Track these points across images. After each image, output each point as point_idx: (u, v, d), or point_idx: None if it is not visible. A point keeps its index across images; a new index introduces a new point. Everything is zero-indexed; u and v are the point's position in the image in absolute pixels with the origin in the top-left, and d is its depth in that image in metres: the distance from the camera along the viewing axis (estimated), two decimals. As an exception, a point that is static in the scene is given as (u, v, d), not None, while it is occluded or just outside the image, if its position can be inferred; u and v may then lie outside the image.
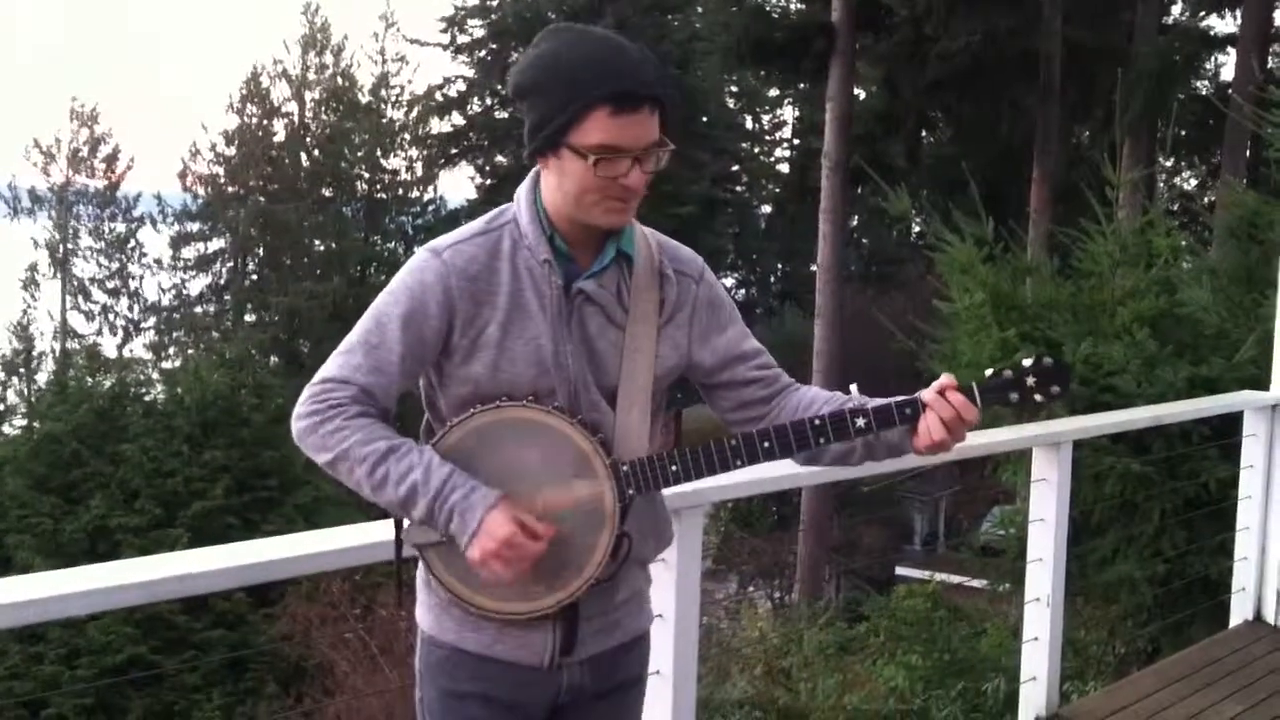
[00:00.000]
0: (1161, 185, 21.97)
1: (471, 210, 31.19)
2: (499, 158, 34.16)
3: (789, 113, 41.36)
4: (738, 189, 39.58)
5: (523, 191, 2.13)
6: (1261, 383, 5.81)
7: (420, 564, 2.15)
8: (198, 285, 37.40)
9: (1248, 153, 17.55)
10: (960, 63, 18.38)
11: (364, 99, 37.74)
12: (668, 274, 2.17)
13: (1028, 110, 18.43)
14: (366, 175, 37.24)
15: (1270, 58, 19.27)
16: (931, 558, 23.60)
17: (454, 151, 35.51)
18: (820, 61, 18.45)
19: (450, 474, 2.00)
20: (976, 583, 8.23)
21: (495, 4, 34.00)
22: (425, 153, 37.17)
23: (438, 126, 36.36)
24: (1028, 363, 2.15)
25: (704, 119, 35.21)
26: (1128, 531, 6.23)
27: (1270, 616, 5.49)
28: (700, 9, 31.92)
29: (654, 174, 2.05)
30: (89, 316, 37.40)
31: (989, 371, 2.15)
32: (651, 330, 2.14)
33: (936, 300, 7.19)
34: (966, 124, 20.23)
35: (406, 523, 2.09)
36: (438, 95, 35.58)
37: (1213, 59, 22.82)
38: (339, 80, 37.82)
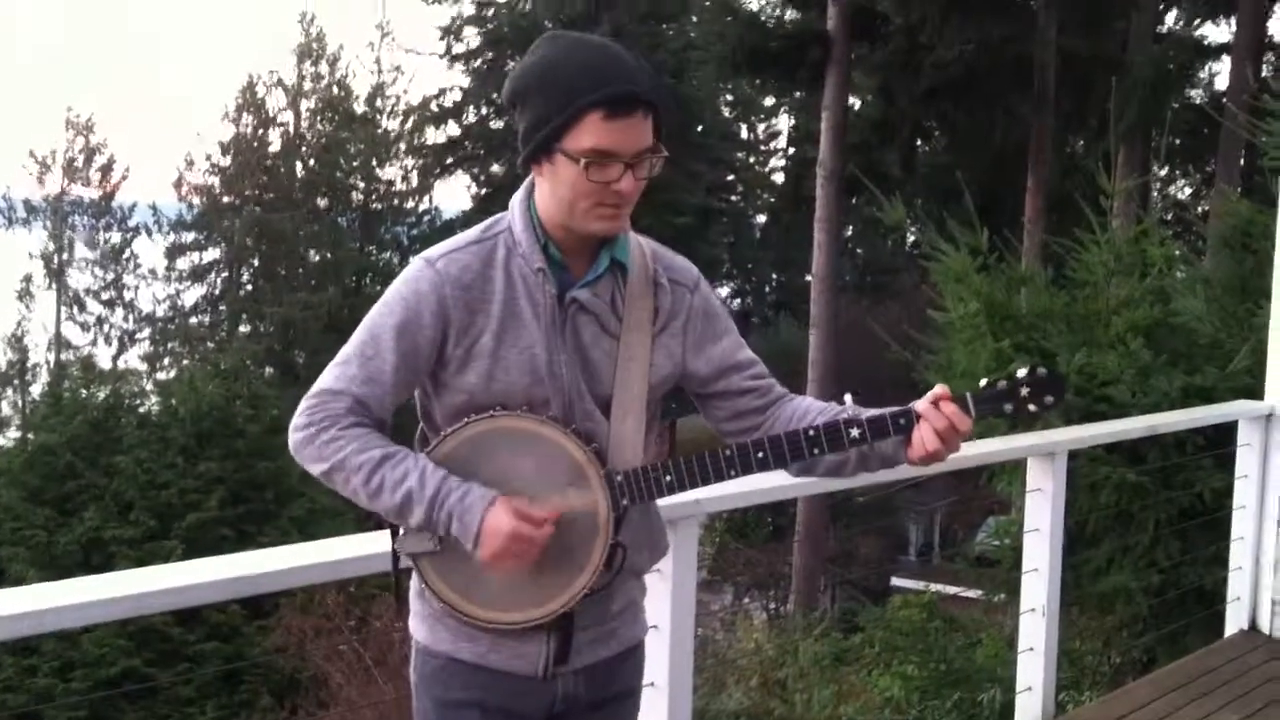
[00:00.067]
0: (1156, 194, 22.05)
1: (467, 220, 31.15)
2: (494, 167, 34.15)
3: (784, 122, 41.41)
4: (733, 198, 39.57)
5: (517, 200, 2.13)
6: (1256, 392, 5.82)
7: (414, 574, 2.14)
8: (192, 296, 37.36)
9: (1242, 161, 17.58)
10: (955, 71, 18.41)
11: (359, 109, 37.73)
12: (662, 283, 2.17)
13: (1022, 119, 18.44)
14: (362, 185, 37.22)
15: (1264, 66, 19.30)
16: (927, 568, 23.59)
17: (449, 161, 35.47)
18: (815, 70, 18.47)
19: (445, 478, 2.00)
20: (972, 593, 8.23)
21: (491, 13, 34.04)
22: (421, 162, 37.15)
23: (433, 136, 36.36)
24: (1022, 373, 2.15)
25: (699, 128, 35.22)
26: (1123, 541, 6.23)
27: (1265, 626, 5.49)
28: (695, 18, 31.94)
29: (647, 180, 2.05)
30: (84, 327, 37.31)
31: (983, 382, 2.15)
32: (646, 339, 2.14)
33: (931, 310, 7.20)
34: (961, 133, 20.25)
35: (402, 532, 2.09)
36: (433, 105, 35.58)
37: (1207, 68, 22.90)
38: (334, 90, 37.81)
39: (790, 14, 21.20)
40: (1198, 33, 22.00)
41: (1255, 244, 7.26)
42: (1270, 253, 5.92)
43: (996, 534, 7.35)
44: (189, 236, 37.49)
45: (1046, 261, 10.04)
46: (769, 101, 39.63)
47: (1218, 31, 22.06)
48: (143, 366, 34.20)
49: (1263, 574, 5.48)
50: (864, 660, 8.64)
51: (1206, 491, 6.03)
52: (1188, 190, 27.42)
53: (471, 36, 34.49)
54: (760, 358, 2.28)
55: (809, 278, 21.84)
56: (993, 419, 2.35)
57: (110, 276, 37.83)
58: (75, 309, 37.28)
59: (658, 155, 2.04)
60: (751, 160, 42.22)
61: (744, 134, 42.53)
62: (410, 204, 37.74)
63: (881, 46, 19.56)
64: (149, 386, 25.38)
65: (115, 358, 35.70)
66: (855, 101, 21.53)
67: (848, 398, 2.23)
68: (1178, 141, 22.00)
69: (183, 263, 37.41)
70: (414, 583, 2.18)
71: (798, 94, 27.50)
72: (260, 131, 37.13)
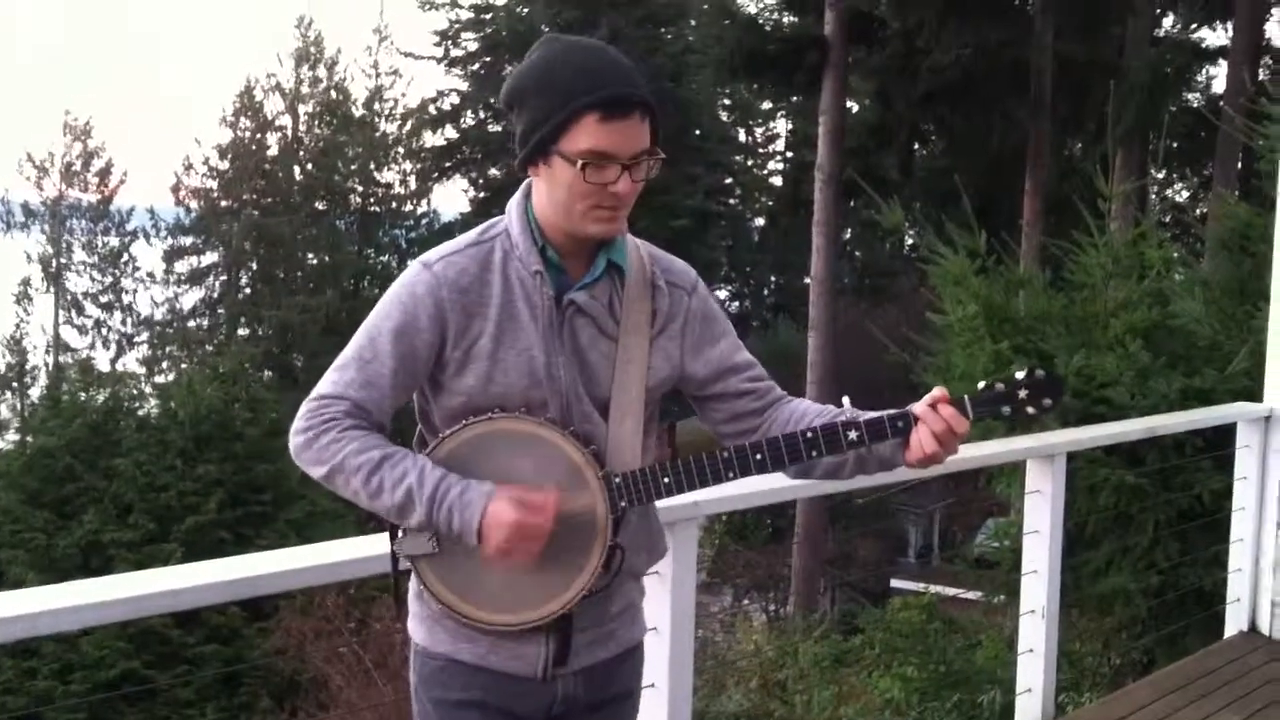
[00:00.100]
0: (1153, 197, 22.09)
1: (465, 223, 31.17)
2: (492, 171, 34.18)
3: (782, 126, 41.40)
4: (731, 202, 39.59)
5: (514, 203, 2.14)
6: (1255, 394, 5.83)
7: (413, 576, 2.15)
8: (191, 299, 37.35)
9: (1239, 165, 17.58)
10: (952, 76, 18.45)
11: (358, 112, 37.75)
12: (660, 285, 2.17)
13: (1019, 123, 18.46)
14: (360, 188, 37.24)
15: (1261, 70, 19.32)
16: (926, 570, 23.58)
17: (447, 165, 35.51)
18: (813, 74, 18.50)
19: (444, 475, 2.01)
20: (971, 595, 8.23)
21: (489, 17, 34.06)
22: (419, 166, 37.17)
23: (431, 140, 36.39)
24: (1020, 375, 2.15)
25: (697, 132, 35.26)
26: (1122, 543, 6.23)
27: (1265, 627, 5.50)
28: (693, 22, 31.98)
29: (644, 183, 2.05)
30: (82, 331, 37.32)
31: (981, 384, 2.16)
32: (644, 341, 2.14)
33: (930, 313, 7.20)
34: (958, 136, 20.27)
35: (400, 533, 2.09)
36: (431, 109, 35.61)
37: (1204, 71, 22.90)
38: (332, 94, 37.83)
39: (788, 18, 21.26)
40: (1194, 37, 22.00)
41: (1253, 246, 7.27)
42: (1268, 255, 5.93)
43: (996, 536, 7.36)
44: (187, 240, 37.49)
45: (1045, 264, 10.05)
46: (767, 105, 39.64)
47: (1214, 35, 22.06)
48: (141, 370, 34.17)
49: (1262, 575, 5.49)
50: (864, 662, 8.65)
51: (1205, 493, 6.03)
52: (1185, 193, 27.46)
53: (469, 41, 34.53)
54: (759, 360, 2.29)
55: (807, 280, 21.83)
56: (991, 421, 2.34)
57: (108, 280, 37.83)
58: (73, 312, 37.29)
59: (655, 158, 2.04)
60: (750, 164, 42.21)
61: (742, 138, 42.54)
62: (408, 207, 37.78)
63: (879, 51, 19.59)
64: (148, 389, 25.35)
65: (114, 361, 35.69)
66: (853, 105, 21.57)
67: (845, 400, 2.23)
68: (1175, 145, 22.02)
69: (181, 266, 37.43)
70: (412, 584, 2.18)
71: (795, 98, 27.50)
72: (258, 135, 37.15)
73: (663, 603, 3.04)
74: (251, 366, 28.10)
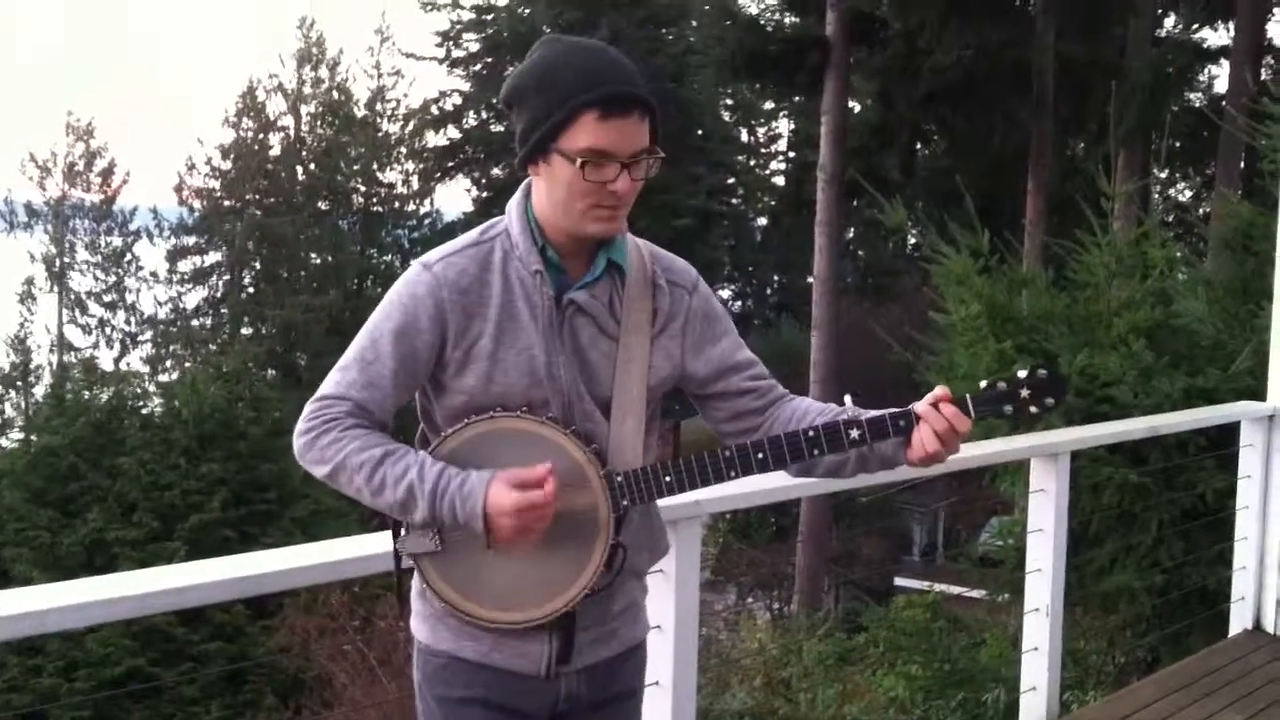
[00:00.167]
0: (1156, 197, 22.04)
1: (467, 223, 31.14)
2: (495, 171, 34.17)
3: (784, 126, 41.40)
4: (733, 201, 39.58)
5: (514, 202, 2.14)
6: (1258, 393, 5.83)
7: (415, 574, 2.15)
8: (194, 299, 37.36)
9: (1242, 164, 17.57)
10: (953, 76, 18.43)
11: (360, 113, 37.74)
12: (660, 284, 2.18)
13: (1021, 123, 18.45)
14: (363, 188, 37.23)
15: (1263, 69, 19.31)
16: (930, 568, 23.55)
17: (450, 165, 35.50)
18: (815, 75, 18.48)
19: (444, 469, 2.01)
20: (975, 593, 8.23)
21: (490, 18, 34.06)
22: (421, 166, 37.17)
23: (433, 140, 36.37)
24: (1022, 374, 2.15)
25: (699, 132, 35.23)
26: (1126, 542, 6.24)
27: (1270, 625, 5.50)
28: (695, 22, 31.97)
29: (644, 182, 2.06)
30: (86, 330, 37.34)
31: (984, 383, 2.16)
32: (645, 340, 2.14)
33: (933, 312, 7.21)
34: (960, 137, 20.25)
35: (404, 532, 2.09)
36: (433, 109, 35.60)
37: (1206, 71, 22.89)
38: (335, 94, 37.83)
39: (789, 18, 21.24)
40: (1196, 36, 21.99)
41: (1256, 246, 7.27)
42: (1271, 254, 5.94)
43: (1000, 534, 7.36)
44: (190, 240, 37.52)
45: (1047, 263, 10.04)
46: (769, 106, 39.64)
47: (1216, 35, 22.04)
48: (145, 369, 34.19)
49: (1267, 574, 5.49)
50: (868, 660, 8.64)
51: (1209, 492, 6.04)
52: (1188, 193, 27.43)
53: (471, 42, 34.54)
54: (761, 359, 2.29)
55: (810, 280, 21.83)
56: (995, 420, 2.34)
57: (112, 279, 37.87)
58: (77, 312, 37.31)
59: (654, 157, 2.04)
60: (752, 164, 42.21)
61: (744, 138, 42.54)
62: (411, 207, 37.77)
63: (880, 51, 19.58)
64: (151, 388, 25.35)
65: (117, 360, 35.73)
66: (855, 105, 21.55)
67: (848, 399, 2.23)
68: (1177, 144, 21.98)
69: (184, 266, 37.44)
70: (415, 583, 2.19)
71: (797, 98, 27.50)
72: (261, 135, 37.16)
73: (667, 601, 3.05)
74: (255, 366, 28.10)
